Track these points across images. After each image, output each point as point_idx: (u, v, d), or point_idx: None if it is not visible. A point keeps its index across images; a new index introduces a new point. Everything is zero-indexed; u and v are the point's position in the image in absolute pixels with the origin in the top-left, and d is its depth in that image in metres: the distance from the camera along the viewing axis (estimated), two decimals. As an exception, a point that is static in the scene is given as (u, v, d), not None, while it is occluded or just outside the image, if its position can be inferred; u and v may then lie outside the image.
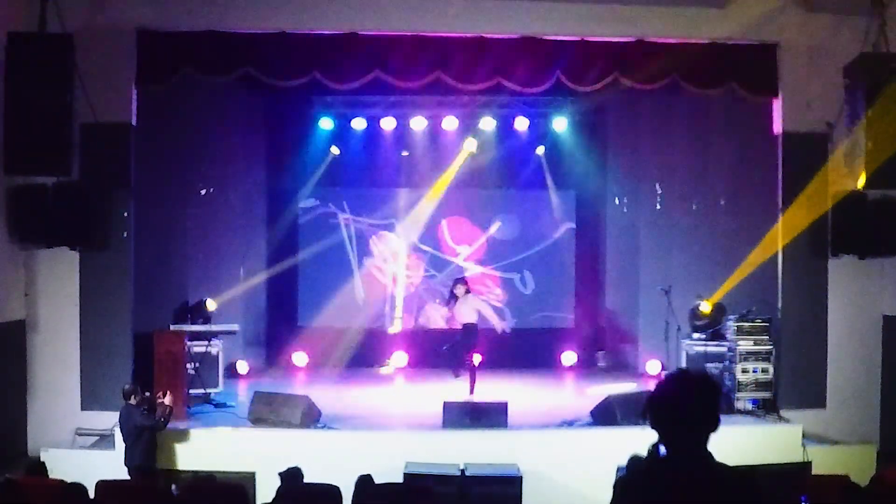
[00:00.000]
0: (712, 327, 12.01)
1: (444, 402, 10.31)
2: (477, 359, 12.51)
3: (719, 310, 12.22)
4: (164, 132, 11.86)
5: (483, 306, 12.13)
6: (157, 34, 10.46)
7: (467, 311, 11.82)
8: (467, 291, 11.97)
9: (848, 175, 10.13)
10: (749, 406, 10.84)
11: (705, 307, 12.33)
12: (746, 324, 11.09)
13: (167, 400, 9.18)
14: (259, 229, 14.79)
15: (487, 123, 14.79)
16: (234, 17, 10.47)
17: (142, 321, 10.78)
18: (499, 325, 12.24)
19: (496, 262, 15.35)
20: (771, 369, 10.90)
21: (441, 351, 12.18)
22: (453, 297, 11.93)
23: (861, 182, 9.79)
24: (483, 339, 13.07)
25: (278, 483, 7.60)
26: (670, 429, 2.99)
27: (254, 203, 14.67)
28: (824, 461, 9.65)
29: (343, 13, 10.53)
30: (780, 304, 11.03)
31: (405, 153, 14.99)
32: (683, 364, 11.90)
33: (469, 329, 11.75)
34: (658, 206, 14.33)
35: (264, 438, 9.67)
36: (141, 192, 10.79)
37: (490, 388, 12.72)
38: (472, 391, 11.52)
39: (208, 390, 11.37)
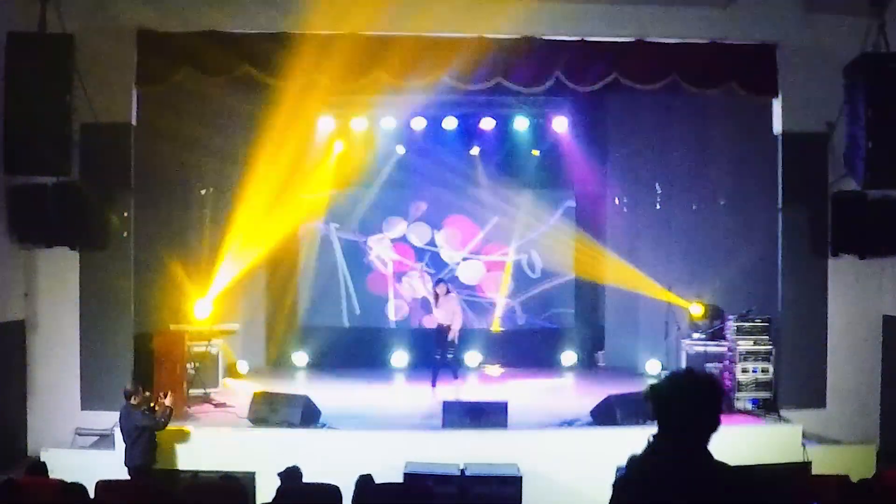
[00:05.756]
0: (710, 327, 12.05)
1: (444, 402, 10.32)
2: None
3: (714, 312, 12.26)
4: (164, 132, 11.85)
5: (459, 308, 12.76)
6: (157, 34, 10.44)
7: (445, 313, 12.42)
8: (448, 292, 12.65)
9: (847, 175, 10.14)
10: (749, 406, 10.85)
11: (696, 310, 12.40)
12: (746, 324, 11.10)
13: (167, 400, 9.18)
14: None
15: (487, 123, 14.79)
16: (234, 17, 10.47)
17: (142, 321, 10.78)
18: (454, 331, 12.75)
19: (495, 261, 15.36)
20: (771, 369, 10.91)
21: (435, 359, 12.65)
22: (436, 298, 12.56)
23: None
24: (478, 338, 13.50)
25: (278, 483, 7.60)
26: (670, 428, 2.99)
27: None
28: (824, 461, 9.64)
29: (343, 13, 10.51)
30: (780, 304, 11.03)
31: (401, 151, 14.98)
32: (683, 364, 11.91)
33: (445, 330, 12.50)
34: (658, 206, 14.33)
35: (264, 438, 9.68)
36: (141, 192, 10.79)
37: (490, 388, 12.80)
38: (455, 377, 12.51)
39: (208, 390, 11.38)
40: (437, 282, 13.18)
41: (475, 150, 15.01)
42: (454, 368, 12.61)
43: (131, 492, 7.98)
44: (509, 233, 15.31)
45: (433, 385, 12.40)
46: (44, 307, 10.57)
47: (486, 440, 9.66)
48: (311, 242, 15.22)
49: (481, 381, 13.71)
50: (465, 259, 15.31)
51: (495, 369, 14.65)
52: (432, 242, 15.37)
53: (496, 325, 15.26)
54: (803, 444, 9.94)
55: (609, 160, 14.93)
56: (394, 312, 15.27)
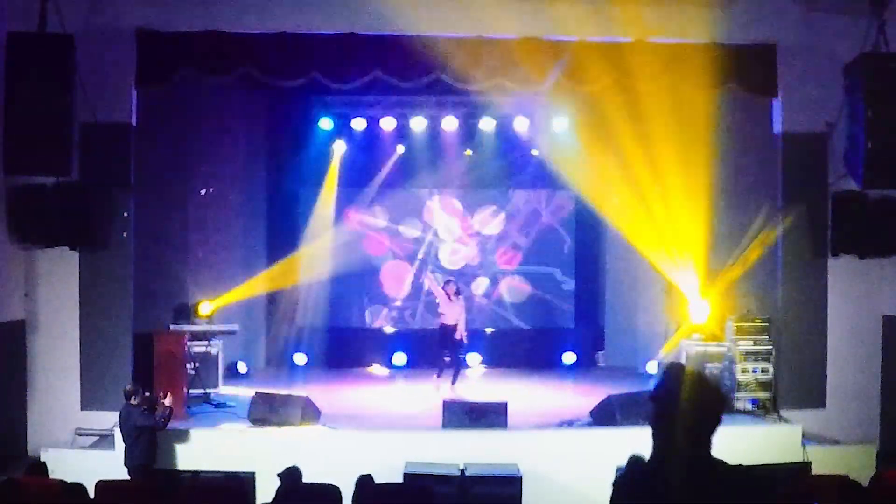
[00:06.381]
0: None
1: (444, 402, 10.33)
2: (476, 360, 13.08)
3: (720, 314, 12.20)
4: (164, 132, 11.86)
5: (463, 314, 12.89)
6: (157, 34, 10.45)
7: (453, 313, 12.61)
8: (457, 293, 12.81)
9: (847, 175, 10.13)
10: (749, 406, 10.84)
11: (703, 317, 12.29)
12: (746, 324, 11.09)
13: (167, 401, 9.18)
14: (259, 229, 14.79)
15: (487, 123, 14.79)
16: (234, 17, 10.46)
17: (142, 321, 10.78)
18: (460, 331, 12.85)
19: (497, 261, 15.38)
20: (771, 369, 10.90)
21: (443, 361, 12.80)
22: (447, 297, 12.73)
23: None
24: (478, 337, 14.16)
25: (278, 483, 7.60)
26: (671, 428, 2.99)
27: (254, 203, 14.67)
28: (824, 461, 9.64)
29: (343, 13, 10.53)
30: (780, 304, 11.03)
31: (401, 149, 14.97)
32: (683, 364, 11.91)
33: (451, 330, 12.62)
34: (658, 206, 14.30)
35: (264, 438, 9.68)
36: (141, 192, 10.79)
37: (490, 388, 12.80)
38: (454, 382, 12.51)
39: (208, 390, 11.38)
40: (447, 282, 13.28)
41: (468, 152, 14.99)
42: (457, 371, 12.65)
43: (131, 492, 7.98)
44: (510, 235, 15.32)
45: (438, 376, 12.54)
46: (44, 307, 10.57)
47: (486, 440, 9.66)
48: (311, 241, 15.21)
49: (476, 381, 13.74)
50: (474, 275, 15.34)
51: (474, 357, 14.64)
52: (432, 243, 15.38)
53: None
54: (803, 444, 9.94)
55: (609, 160, 14.89)
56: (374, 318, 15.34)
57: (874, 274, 11.12)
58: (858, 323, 11.08)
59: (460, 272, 15.22)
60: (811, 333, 10.96)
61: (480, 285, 15.38)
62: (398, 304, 15.34)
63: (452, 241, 15.41)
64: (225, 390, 11.85)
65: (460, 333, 12.70)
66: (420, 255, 15.33)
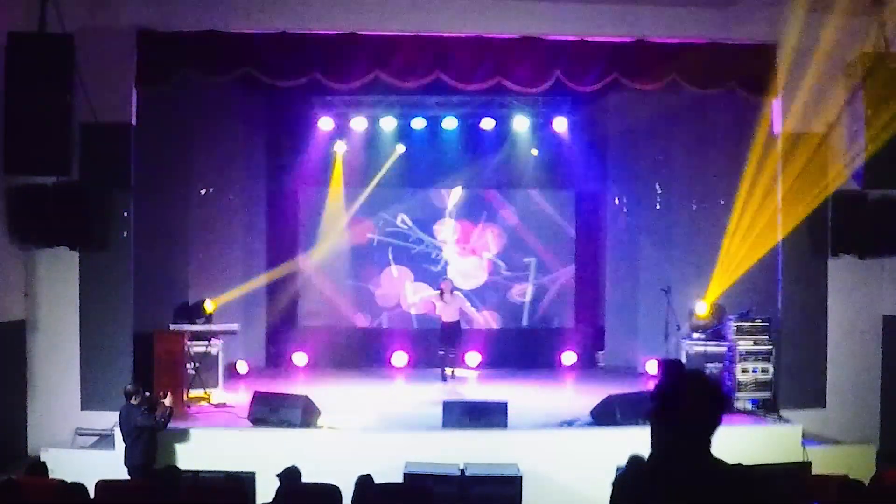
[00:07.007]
0: (712, 327, 12.03)
1: (444, 402, 10.32)
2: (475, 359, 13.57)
3: (718, 310, 12.22)
4: (164, 132, 11.87)
5: (466, 304, 13.45)
6: (157, 34, 10.45)
7: (451, 311, 12.98)
8: (452, 291, 13.16)
9: (847, 175, 10.13)
10: (749, 406, 10.84)
11: (702, 309, 12.31)
12: (746, 324, 11.09)
13: (168, 401, 9.18)
14: (259, 229, 14.79)
15: (487, 123, 14.79)
16: (234, 17, 10.48)
17: (142, 321, 10.79)
18: (478, 316, 13.54)
19: (498, 261, 15.39)
20: (771, 369, 10.90)
21: (439, 356, 13.22)
22: (441, 294, 13.11)
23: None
24: (478, 338, 14.40)
25: (278, 483, 7.60)
26: (671, 427, 2.99)
27: (254, 203, 14.68)
28: (824, 461, 9.65)
29: (343, 13, 10.54)
30: (780, 304, 11.03)
31: (401, 149, 14.96)
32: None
33: (452, 328, 13.03)
34: (658, 206, 14.32)
35: (264, 438, 9.67)
36: (141, 192, 10.80)
37: (490, 388, 12.80)
38: (454, 376, 13.14)
39: (208, 390, 11.38)
40: (442, 280, 13.57)
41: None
42: (455, 365, 12.86)
43: (131, 492, 7.98)
44: (512, 235, 15.33)
45: (444, 380, 12.76)
46: (44, 307, 10.57)
47: (486, 440, 9.66)
48: (311, 241, 15.21)
49: (476, 381, 13.74)
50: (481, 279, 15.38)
51: (474, 357, 14.66)
52: (430, 243, 15.38)
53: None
54: (803, 444, 9.94)
55: (609, 160, 14.94)
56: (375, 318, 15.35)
57: (874, 274, 11.12)
58: (858, 323, 11.09)
59: (465, 273, 15.24)
60: (811, 333, 10.97)
61: (489, 289, 15.36)
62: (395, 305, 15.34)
63: (454, 242, 15.39)
64: (225, 390, 11.85)
65: (470, 313, 13.22)
66: (415, 250, 15.33)
